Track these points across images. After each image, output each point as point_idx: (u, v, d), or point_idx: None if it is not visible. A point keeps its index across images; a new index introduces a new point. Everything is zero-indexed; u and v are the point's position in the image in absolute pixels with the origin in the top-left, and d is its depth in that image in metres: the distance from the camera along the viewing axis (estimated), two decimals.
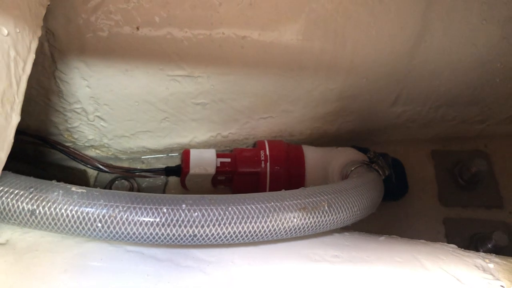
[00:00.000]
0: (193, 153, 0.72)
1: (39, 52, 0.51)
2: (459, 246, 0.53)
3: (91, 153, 0.77)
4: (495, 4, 0.68)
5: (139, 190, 0.76)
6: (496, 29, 0.69)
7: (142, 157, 0.80)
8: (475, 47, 0.70)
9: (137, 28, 0.60)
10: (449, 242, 0.76)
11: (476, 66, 0.72)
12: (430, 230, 0.79)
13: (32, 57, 0.47)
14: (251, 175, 0.73)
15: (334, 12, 0.64)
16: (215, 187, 0.75)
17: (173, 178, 0.78)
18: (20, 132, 0.43)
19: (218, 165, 0.72)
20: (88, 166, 0.73)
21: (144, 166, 0.80)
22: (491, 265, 0.48)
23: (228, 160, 0.73)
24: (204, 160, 0.71)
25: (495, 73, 0.74)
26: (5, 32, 0.42)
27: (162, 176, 0.77)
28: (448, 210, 0.81)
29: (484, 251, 0.74)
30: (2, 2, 0.42)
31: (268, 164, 0.72)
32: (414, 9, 0.66)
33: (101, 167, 0.72)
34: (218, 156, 0.73)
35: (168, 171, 0.74)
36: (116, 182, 0.75)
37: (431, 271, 0.47)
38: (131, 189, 0.74)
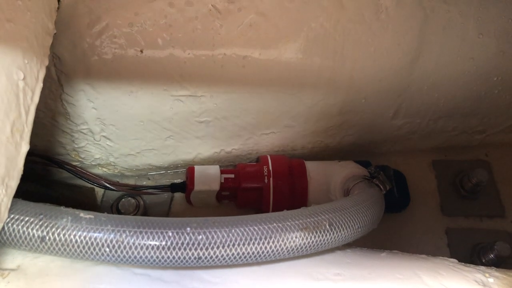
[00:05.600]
0: (198, 170, 0.74)
1: (47, 76, 0.53)
2: (461, 256, 0.54)
3: (98, 171, 0.79)
4: (491, 18, 0.69)
5: (145, 206, 0.77)
6: (493, 43, 0.70)
7: (148, 173, 0.82)
8: (472, 61, 0.71)
9: (141, 51, 0.62)
10: (451, 252, 0.79)
11: (474, 78, 0.73)
12: (433, 241, 0.80)
13: (40, 86, 0.48)
14: (255, 190, 0.74)
15: (333, 31, 0.65)
16: (219, 202, 0.77)
17: (179, 194, 0.79)
18: (29, 152, 0.45)
19: (222, 181, 0.73)
20: (95, 184, 0.74)
21: (150, 183, 0.81)
22: (491, 280, 0.49)
23: (232, 176, 0.74)
24: (208, 177, 0.73)
25: (493, 85, 0.75)
26: (21, 75, 0.44)
27: (167, 193, 0.78)
28: (450, 220, 0.82)
29: (487, 261, 0.75)
30: (11, 36, 0.44)
31: (271, 179, 0.73)
32: (411, 26, 0.67)
33: (107, 185, 0.74)
34: (222, 172, 0.74)
35: (174, 187, 0.75)
36: (123, 199, 0.76)
37: (432, 287, 0.48)
38: (137, 206, 0.76)
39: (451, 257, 0.54)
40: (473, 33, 0.69)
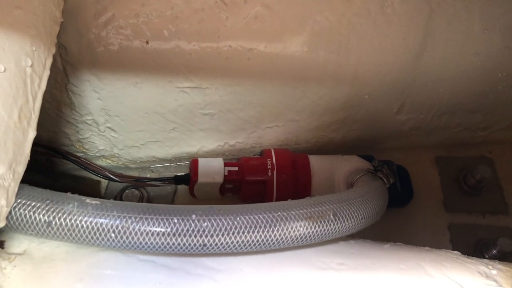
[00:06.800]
0: (201, 162, 0.74)
1: (52, 66, 0.53)
2: (464, 252, 0.54)
3: (102, 163, 0.79)
4: (496, 14, 0.69)
5: (149, 198, 0.78)
6: (498, 38, 0.70)
7: (152, 166, 0.82)
8: (477, 56, 0.71)
9: (147, 42, 0.62)
10: (454, 248, 0.79)
11: (478, 74, 0.73)
12: (436, 236, 0.80)
13: (47, 73, 0.48)
14: (258, 183, 0.74)
15: (338, 24, 0.65)
16: (223, 195, 0.77)
17: (182, 186, 0.79)
18: (33, 143, 0.46)
19: (226, 174, 0.73)
20: (99, 175, 0.75)
21: (153, 175, 0.82)
22: (494, 272, 0.49)
23: (236, 169, 0.74)
24: (212, 169, 0.73)
25: (497, 81, 0.75)
26: (29, 62, 0.44)
27: (171, 185, 0.79)
28: (453, 216, 0.82)
29: (489, 257, 0.75)
30: (19, 23, 0.44)
31: (274, 172, 0.73)
32: (416, 20, 0.67)
33: (111, 176, 0.74)
34: (225, 165, 0.74)
35: (177, 179, 0.75)
36: (127, 191, 0.76)
37: (435, 278, 0.48)
38: (141, 197, 0.76)
39: None
40: (478, 28, 0.69)
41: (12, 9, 0.44)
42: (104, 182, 0.80)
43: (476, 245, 0.78)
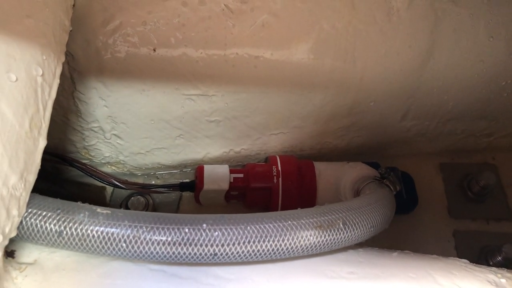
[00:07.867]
0: (207, 169, 0.74)
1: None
2: (469, 259, 0.54)
3: (107, 169, 0.79)
4: (502, 21, 0.70)
5: (154, 205, 0.78)
6: (503, 46, 0.71)
7: (157, 172, 0.82)
8: (482, 63, 0.72)
9: (154, 50, 0.62)
10: (459, 255, 0.79)
11: (483, 81, 0.74)
12: (440, 243, 0.81)
13: (57, 82, 0.48)
14: (264, 190, 0.74)
15: (344, 31, 0.66)
16: (228, 202, 0.77)
17: (187, 193, 0.79)
18: None
19: (231, 180, 0.73)
20: (105, 182, 0.74)
21: (158, 182, 0.81)
22: (503, 280, 0.49)
23: (241, 175, 0.74)
24: (217, 176, 0.73)
25: (502, 88, 0.76)
26: (40, 71, 0.44)
27: (176, 192, 0.78)
28: (458, 222, 0.82)
29: (494, 264, 0.75)
30: (30, 32, 0.44)
31: (280, 179, 0.74)
32: (422, 28, 0.68)
33: (117, 183, 0.74)
34: (231, 171, 0.74)
35: (183, 186, 0.75)
36: (132, 198, 0.76)
37: (445, 287, 0.48)
38: (146, 204, 0.76)
39: None
40: (483, 36, 0.70)
41: (23, 18, 0.44)
42: (109, 189, 0.80)
43: (481, 252, 0.78)
